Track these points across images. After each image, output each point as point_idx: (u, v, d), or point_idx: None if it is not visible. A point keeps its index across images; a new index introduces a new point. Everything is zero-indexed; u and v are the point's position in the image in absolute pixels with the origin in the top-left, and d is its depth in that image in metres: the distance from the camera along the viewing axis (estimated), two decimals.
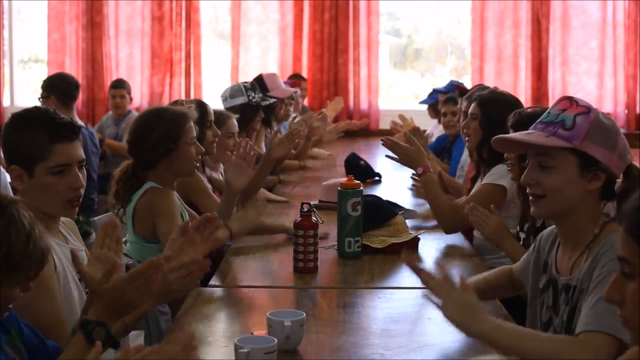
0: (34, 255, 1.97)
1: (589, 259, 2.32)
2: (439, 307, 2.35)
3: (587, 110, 2.39)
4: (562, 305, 2.40)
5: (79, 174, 2.62)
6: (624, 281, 1.54)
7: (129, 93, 8.19)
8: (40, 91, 6.44)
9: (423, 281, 2.49)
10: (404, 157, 4.22)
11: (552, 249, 2.52)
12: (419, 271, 2.53)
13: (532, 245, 2.66)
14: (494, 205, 3.66)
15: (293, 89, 6.80)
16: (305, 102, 9.17)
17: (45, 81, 6.52)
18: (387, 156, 4.36)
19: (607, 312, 2.14)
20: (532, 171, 2.45)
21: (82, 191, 2.65)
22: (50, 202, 2.60)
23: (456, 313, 2.27)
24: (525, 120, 3.23)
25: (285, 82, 7.09)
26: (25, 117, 2.66)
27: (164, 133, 3.53)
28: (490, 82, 9.07)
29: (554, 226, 2.55)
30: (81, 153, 2.66)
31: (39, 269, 2.01)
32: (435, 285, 2.39)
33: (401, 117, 7.59)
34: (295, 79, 8.89)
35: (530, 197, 2.48)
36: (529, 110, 3.38)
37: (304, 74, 9.49)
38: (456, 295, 2.29)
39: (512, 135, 2.53)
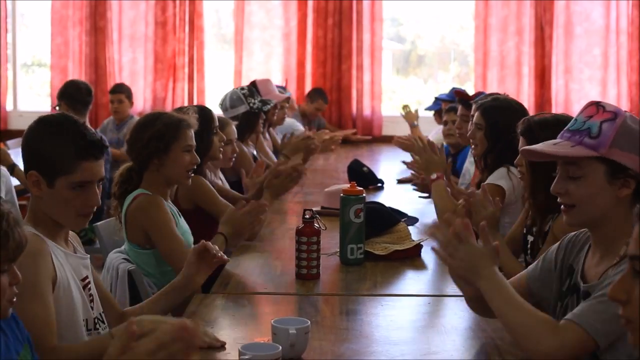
0: (9, 233, 1.95)
1: (617, 269, 2.28)
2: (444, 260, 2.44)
3: (614, 115, 2.34)
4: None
5: (97, 191, 2.63)
6: (632, 280, 1.53)
7: (129, 98, 8.10)
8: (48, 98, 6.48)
9: (430, 234, 2.53)
10: (424, 162, 4.23)
11: (580, 253, 2.49)
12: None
13: (552, 250, 2.60)
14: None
15: (285, 95, 6.80)
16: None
17: (60, 92, 6.58)
18: (404, 162, 4.39)
19: (593, 311, 2.20)
20: (561, 181, 2.43)
21: (96, 207, 2.65)
22: (64, 213, 2.60)
23: (460, 268, 2.39)
24: (535, 128, 3.23)
25: (277, 87, 7.11)
26: (54, 125, 2.61)
27: (156, 133, 3.53)
28: (493, 88, 9.09)
29: (582, 230, 2.52)
30: (103, 171, 2.65)
31: (18, 249, 1.99)
32: (443, 239, 2.44)
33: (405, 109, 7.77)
34: (319, 98, 8.92)
35: (562, 207, 2.46)
36: (537, 117, 3.36)
37: (307, 79, 9.51)
38: (462, 252, 2.38)
39: (538, 146, 2.48)
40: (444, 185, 4.10)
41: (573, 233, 2.57)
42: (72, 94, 6.35)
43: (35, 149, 2.60)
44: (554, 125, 3.17)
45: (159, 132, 3.53)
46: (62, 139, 2.56)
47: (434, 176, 4.14)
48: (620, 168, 2.33)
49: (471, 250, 2.37)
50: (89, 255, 2.76)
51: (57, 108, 6.37)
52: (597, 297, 2.22)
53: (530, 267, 2.68)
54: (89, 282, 2.69)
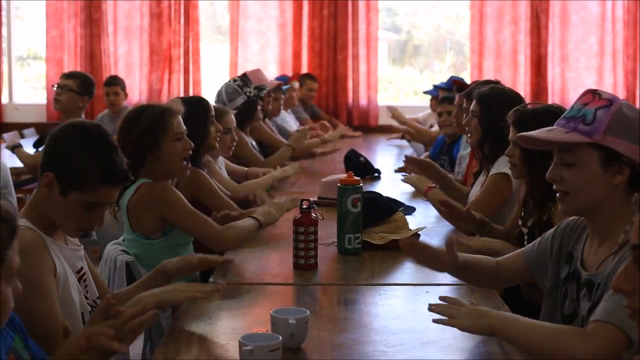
0: None
1: (617, 257, 2.29)
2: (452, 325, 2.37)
3: (609, 103, 2.34)
4: (583, 301, 2.37)
5: (104, 214, 2.62)
6: (636, 271, 1.53)
7: (123, 89, 8.09)
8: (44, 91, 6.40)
9: (431, 308, 2.47)
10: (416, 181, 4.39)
11: (579, 240, 2.49)
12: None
13: (548, 235, 2.61)
14: (505, 194, 3.87)
15: (278, 82, 6.80)
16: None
17: (79, 78, 6.37)
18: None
19: (620, 306, 2.10)
20: (556, 167, 2.43)
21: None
22: (65, 222, 2.58)
23: (470, 322, 2.32)
24: (527, 118, 3.24)
25: (277, 78, 7.11)
26: (89, 140, 2.56)
27: (143, 129, 3.47)
28: (489, 77, 9.06)
29: (580, 217, 2.52)
30: (116, 196, 2.66)
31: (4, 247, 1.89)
32: (444, 309, 2.40)
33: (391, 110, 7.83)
34: (306, 79, 8.91)
35: (557, 194, 2.46)
36: (529, 107, 3.38)
37: (303, 70, 9.50)
38: (465, 309, 2.35)
39: (533, 133, 2.48)
40: (438, 191, 4.10)
41: (570, 219, 2.57)
42: (90, 90, 6.33)
43: (62, 155, 2.55)
44: (545, 114, 3.18)
45: (145, 128, 3.47)
46: (92, 158, 2.53)
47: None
48: (614, 155, 2.33)
49: (470, 306, 2.38)
50: (82, 246, 2.75)
51: (62, 92, 6.27)
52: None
53: (527, 246, 2.70)
54: (84, 274, 2.68)
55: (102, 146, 2.57)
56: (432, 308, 2.41)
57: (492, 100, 4.06)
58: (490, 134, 4.01)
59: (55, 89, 6.27)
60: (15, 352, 2.07)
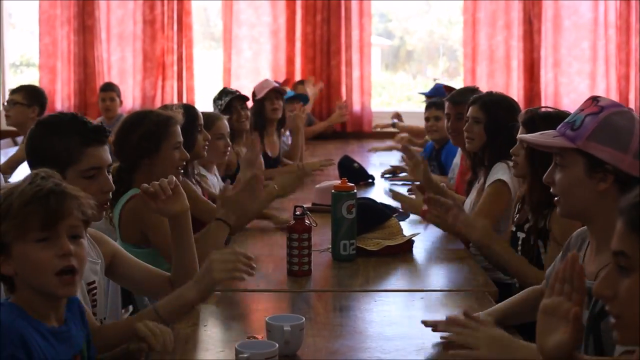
0: None
1: None
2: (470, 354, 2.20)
3: (600, 109, 2.34)
4: (583, 309, 2.35)
5: (108, 176, 2.67)
6: (617, 276, 1.54)
7: (119, 96, 8.14)
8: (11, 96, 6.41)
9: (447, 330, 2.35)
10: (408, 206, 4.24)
11: (580, 250, 2.49)
12: (436, 325, 2.51)
13: (562, 251, 2.61)
14: (506, 201, 3.86)
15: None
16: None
17: (25, 90, 6.44)
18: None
19: None
20: (551, 170, 2.46)
21: (111, 194, 2.69)
22: None
23: (492, 350, 2.16)
24: (537, 120, 3.24)
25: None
26: (54, 122, 2.70)
27: (146, 132, 3.50)
28: (482, 83, 9.09)
29: (583, 227, 2.52)
30: (109, 157, 2.73)
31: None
32: (456, 338, 2.26)
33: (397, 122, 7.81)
34: (300, 85, 8.89)
35: (555, 198, 2.48)
36: (541, 110, 3.37)
37: (297, 76, 9.49)
38: (482, 333, 2.21)
39: (525, 136, 2.53)
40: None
41: (575, 232, 2.57)
42: (40, 100, 6.37)
43: (40, 148, 2.65)
44: (556, 119, 3.17)
45: (149, 131, 3.51)
46: (65, 132, 2.63)
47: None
48: (598, 162, 2.34)
49: (483, 329, 2.21)
50: (100, 260, 2.74)
51: (10, 105, 6.28)
52: None
53: (551, 266, 2.69)
54: (94, 287, 2.68)
55: (67, 119, 2.70)
56: (443, 337, 2.35)
57: (497, 106, 4.08)
58: (495, 141, 4.02)
59: (3, 106, 6.31)
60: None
